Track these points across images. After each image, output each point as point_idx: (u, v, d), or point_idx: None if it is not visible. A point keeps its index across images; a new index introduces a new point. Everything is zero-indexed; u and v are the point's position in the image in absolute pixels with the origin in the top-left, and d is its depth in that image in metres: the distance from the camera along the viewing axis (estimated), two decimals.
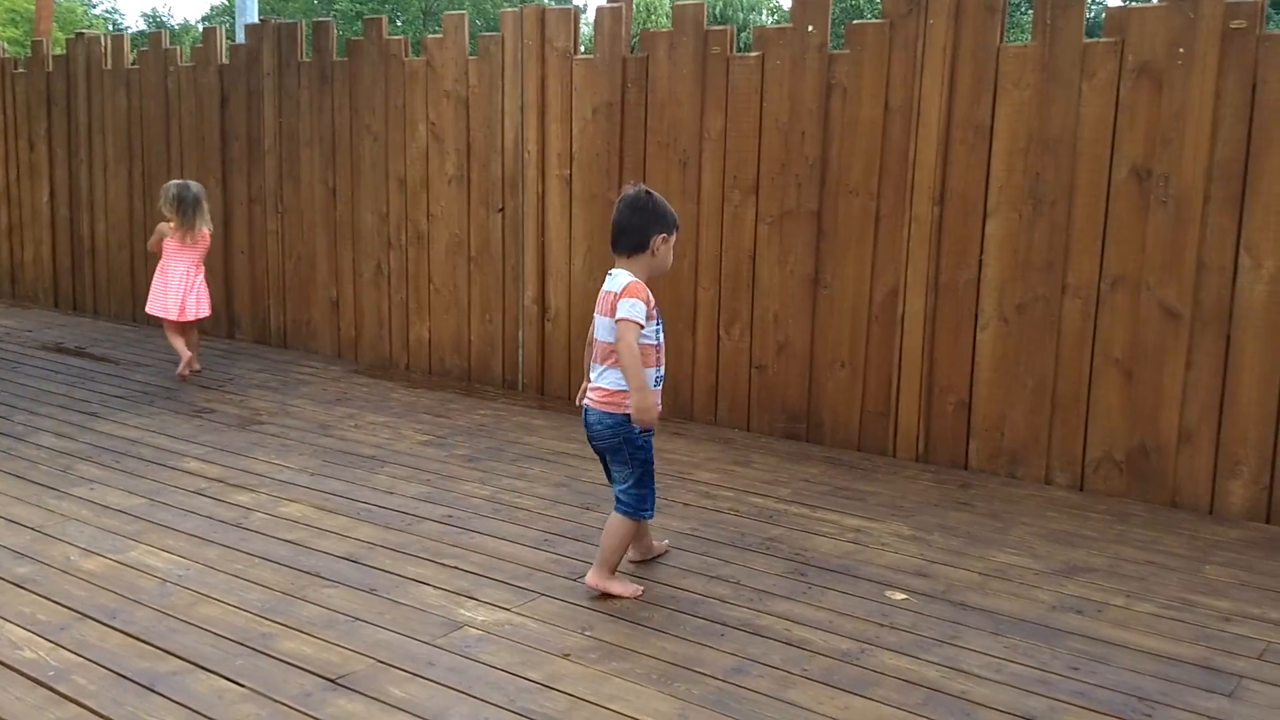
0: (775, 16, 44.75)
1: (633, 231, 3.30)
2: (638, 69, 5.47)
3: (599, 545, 3.34)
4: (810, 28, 4.92)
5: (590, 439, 3.39)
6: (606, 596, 3.26)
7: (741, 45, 5.58)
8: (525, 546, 3.69)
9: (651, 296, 3.25)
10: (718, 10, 41.56)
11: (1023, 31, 27.08)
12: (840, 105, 4.89)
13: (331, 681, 2.72)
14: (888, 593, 3.36)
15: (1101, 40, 4.32)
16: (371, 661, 2.83)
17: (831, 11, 4.98)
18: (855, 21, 4.91)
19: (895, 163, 4.78)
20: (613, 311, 3.21)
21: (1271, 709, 2.68)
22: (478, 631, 3.02)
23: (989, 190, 4.58)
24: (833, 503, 4.24)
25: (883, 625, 3.12)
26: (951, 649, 2.98)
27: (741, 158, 5.19)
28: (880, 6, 4.86)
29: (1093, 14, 28.73)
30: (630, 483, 3.30)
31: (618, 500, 3.33)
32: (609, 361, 3.26)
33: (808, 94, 4.96)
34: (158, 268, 6.11)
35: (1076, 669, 2.87)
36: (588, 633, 3.03)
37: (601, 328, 3.28)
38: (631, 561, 3.53)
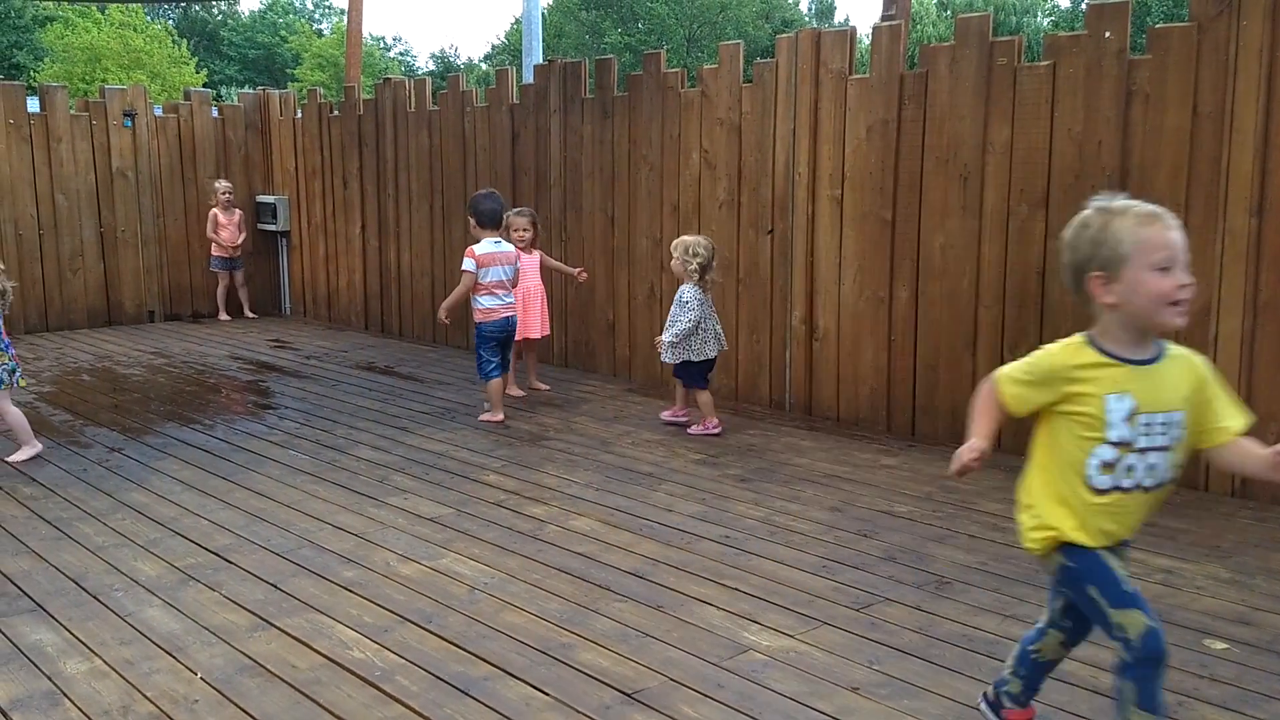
0: (1052, 19, 42.34)
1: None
2: (916, 85, 5.36)
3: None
4: (1108, 34, 4.65)
5: (511, 333, 5.89)
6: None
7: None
8: (804, 572, 3.69)
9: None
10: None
11: None
12: (1142, 112, 4.58)
13: (627, 696, 2.82)
14: (1206, 641, 3.10)
15: None
16: (663, 679, 2.92)
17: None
18: (1159, 25, 4.58)
19: (1205, 171, 4.42)
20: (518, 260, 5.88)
21: None
22: (763, 656, 3.04)
23: None
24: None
25: (1202, 677, 2.89)
26: None
27: (1029, 170, 4.97)
28: (1188, 9, 4.51)
29: None
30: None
31: None
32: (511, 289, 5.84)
33: (1105, 102, 4.68)
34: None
35: None
36: (875, 666, 2.98)
37: (511, 272, 5.78)
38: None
